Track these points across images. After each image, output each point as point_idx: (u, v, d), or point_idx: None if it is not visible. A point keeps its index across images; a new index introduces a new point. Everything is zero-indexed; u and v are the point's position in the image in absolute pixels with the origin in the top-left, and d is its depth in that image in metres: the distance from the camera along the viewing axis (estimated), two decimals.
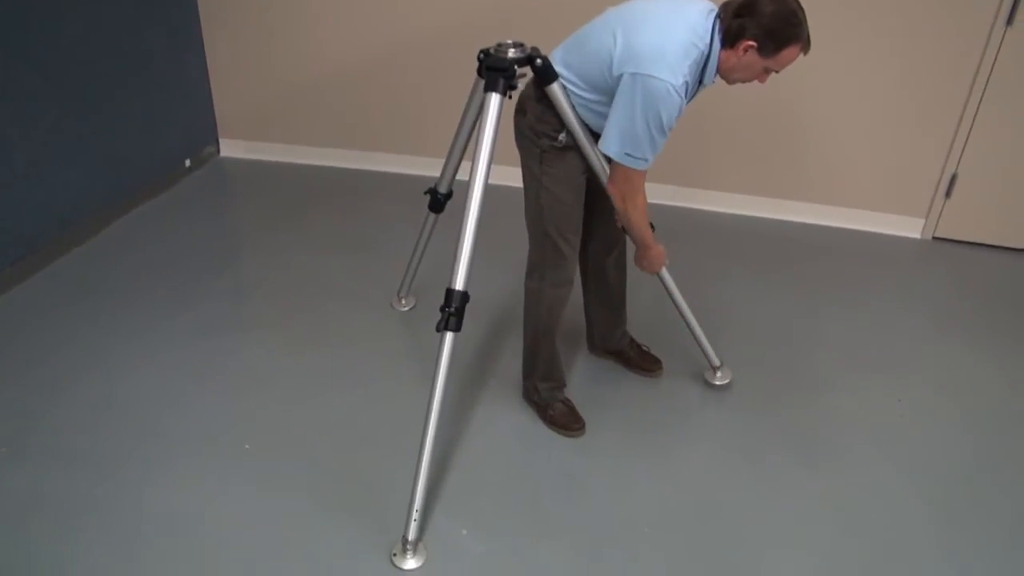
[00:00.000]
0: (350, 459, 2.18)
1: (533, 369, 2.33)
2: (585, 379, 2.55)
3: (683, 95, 1.80)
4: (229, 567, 1.84)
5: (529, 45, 1.98)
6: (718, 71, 1.88)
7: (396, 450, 2.18)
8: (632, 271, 2.41)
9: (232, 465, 2.15)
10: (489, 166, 1.94)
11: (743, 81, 1.92)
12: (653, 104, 1.78)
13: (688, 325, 2.43)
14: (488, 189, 1.94)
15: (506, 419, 2.37)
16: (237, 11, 3.79)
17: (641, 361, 2.58)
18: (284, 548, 1.90)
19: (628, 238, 2.23)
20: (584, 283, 2.46)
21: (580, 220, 2.15)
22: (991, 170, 3.37)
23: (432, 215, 2.59)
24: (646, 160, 1.88)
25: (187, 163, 3.91)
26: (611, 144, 1.88)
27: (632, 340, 2.60)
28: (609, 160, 1.95)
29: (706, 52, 1.82)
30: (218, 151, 4.18)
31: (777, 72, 1.87)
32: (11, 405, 2.33)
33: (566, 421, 2.32)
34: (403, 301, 2.90)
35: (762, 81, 1.91)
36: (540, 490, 2.12)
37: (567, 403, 2.35)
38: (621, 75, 1.81)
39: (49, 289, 2.93)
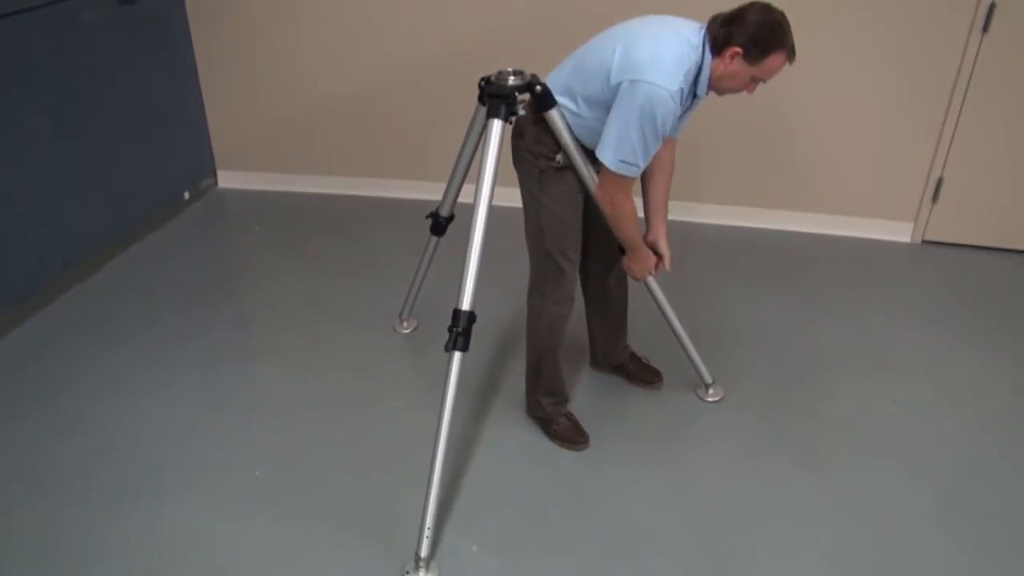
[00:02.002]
0: (360, 480, 2.22)
1: (536, 385, 2.38)
2: (587, 393, 2.59)
3: (678, 101, 1.88)
4: None
5: (528, 72, 2.04)
6: (710, 82, 1.95)
7: (405, 469, 2.22)
8: (633, 286, 2.46)
9: (244, 491, 2.18)
10: (492, 190, 2.00)
11: (733, 91, 2.00)
12: (649, 108, 1.85)
13: (680, 341, 2.48)
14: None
15: (512, 436, 2.40)
16: (232, 44, 3.84)
17: (642, 374, 2.62)
18: (298, 569, 1.93)
19: None
20: (586, 299, 2.51)
21: (579, 238, 2.20)
22: (976, 173, 3.44)
23: (434, 238, 2.64)
24: (637, 167, 1.95)
25: (186, 195, 3.96)
26: (607, 151, 1.94)
27: (632, 353, 2.65)
28: (598, 169, 2.02)
29: (699, 61, 1.91)
30: (216, 183, 4.22)
31: (764, 82, 1.95)
32: (24, 440, 2.36)
33: (570, 435, 2.36)
34: (405, 324, 2.94)
35: (750, 91, 1.99)
36: (548, 505, 2.16)
37: (570, 417, 2.39)
38: (619, 83, 1.88)
39: (55, 326, 2.96)
